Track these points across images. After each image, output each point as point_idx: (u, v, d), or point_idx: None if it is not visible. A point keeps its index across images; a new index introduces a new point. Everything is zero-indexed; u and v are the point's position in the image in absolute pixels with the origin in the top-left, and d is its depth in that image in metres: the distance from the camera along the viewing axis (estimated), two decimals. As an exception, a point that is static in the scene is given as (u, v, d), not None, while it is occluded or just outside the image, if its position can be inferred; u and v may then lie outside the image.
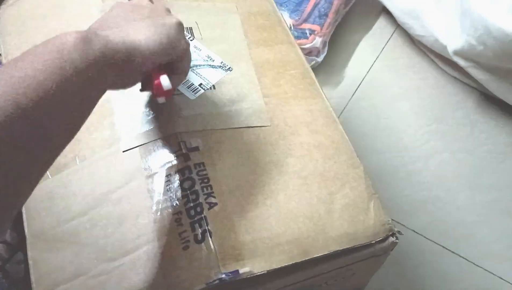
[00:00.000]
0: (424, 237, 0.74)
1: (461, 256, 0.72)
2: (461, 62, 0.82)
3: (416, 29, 0.87)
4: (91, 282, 0.39)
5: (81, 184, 0.43)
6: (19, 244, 0.59)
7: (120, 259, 0.39)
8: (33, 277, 0.40)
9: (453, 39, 0.81)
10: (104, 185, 0.42)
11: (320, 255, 0.40)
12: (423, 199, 0.77)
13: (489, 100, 0.86)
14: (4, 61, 0.53)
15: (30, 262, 0.41)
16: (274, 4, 0.58)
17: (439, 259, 0.72)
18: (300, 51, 0.54)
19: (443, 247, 0.73)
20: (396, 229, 0.44)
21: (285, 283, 0.41)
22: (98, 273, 0.39)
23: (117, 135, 0.45)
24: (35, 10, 0.54)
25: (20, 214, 0.64)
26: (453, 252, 0.73)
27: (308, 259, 0.40)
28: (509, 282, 0.70)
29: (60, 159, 0.39)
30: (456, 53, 0.81)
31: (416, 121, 0.85)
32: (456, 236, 0.74)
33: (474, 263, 0.72)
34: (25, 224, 0.43)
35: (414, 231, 0.74)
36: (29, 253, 0.41)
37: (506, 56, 0.73)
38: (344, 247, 0.41)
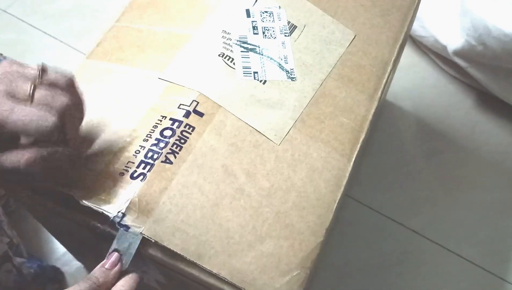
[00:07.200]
0: (424, 237, 0.74)
1: (461, 256, 0.72)
2: (461, 62, 0.82)
3: (416, 29, 0.87)
4: None
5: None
6: (7, 254, 0.58)
7: None
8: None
9: (453, 39, 0.81)
10: (118, 93, 0.46)
11: (207, 268, 0.38)
12: (423, 199, 0.77)
13: (489, 100, 0.86)
14: None
15: None
16: (391, 59, 0.51)
17: (439, 259, 0.72)
18: (373, 110, 0.48)
19: (443, 247, 0.73)
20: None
21: (159, 259, 0.40)
22: None
23: (170, 62, 0.47)
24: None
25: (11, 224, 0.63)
26: (453, 252, 0.73)
27: (193, 261, 0.38)
28: (509, 282, 0.70)
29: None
30: (456, 53, 0.81)
31: (416, 121, 0.85)
32: (456, 236, 0.74)
33: (474, 263, 0.72)
34: None
35: (414, 231, 0.74)
36: None
37: (506, 56, 0.73)
38: (232, 282, 0.38)
